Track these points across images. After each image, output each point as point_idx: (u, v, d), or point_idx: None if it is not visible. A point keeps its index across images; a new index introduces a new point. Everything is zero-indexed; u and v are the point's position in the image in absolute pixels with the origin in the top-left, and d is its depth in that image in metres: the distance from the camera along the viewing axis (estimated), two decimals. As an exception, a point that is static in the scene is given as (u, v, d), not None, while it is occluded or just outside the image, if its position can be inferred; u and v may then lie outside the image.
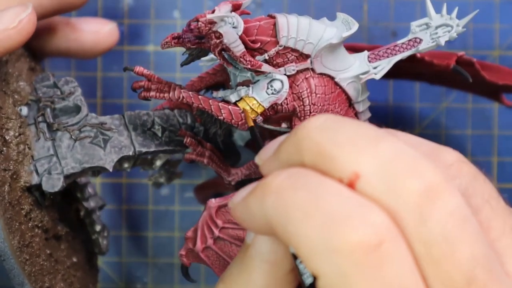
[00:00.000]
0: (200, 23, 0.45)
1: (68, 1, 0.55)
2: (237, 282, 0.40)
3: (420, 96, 0.67)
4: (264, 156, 0.40)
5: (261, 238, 0.40)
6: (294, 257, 0.38)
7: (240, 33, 0.47)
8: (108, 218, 0.66)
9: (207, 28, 0.46)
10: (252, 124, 0.48)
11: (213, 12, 0.46)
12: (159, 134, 0.52)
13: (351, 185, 0.37)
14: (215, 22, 0.46)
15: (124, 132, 0.52)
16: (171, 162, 0.57)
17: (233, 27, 0.46)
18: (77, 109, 0.52)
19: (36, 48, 0.58)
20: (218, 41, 0.46)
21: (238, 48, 0.47)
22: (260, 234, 0.39)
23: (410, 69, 0.55)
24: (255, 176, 0.52)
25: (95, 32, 0.59)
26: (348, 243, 0.35)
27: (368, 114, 0.52)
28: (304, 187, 0.36)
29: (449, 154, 0.39)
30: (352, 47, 0.54)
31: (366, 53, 0.50)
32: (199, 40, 0.47)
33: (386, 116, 0.67)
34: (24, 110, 0.52)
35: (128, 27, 0.67)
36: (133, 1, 0.67)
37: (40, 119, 0.52)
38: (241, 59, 0.47)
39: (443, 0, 0.51)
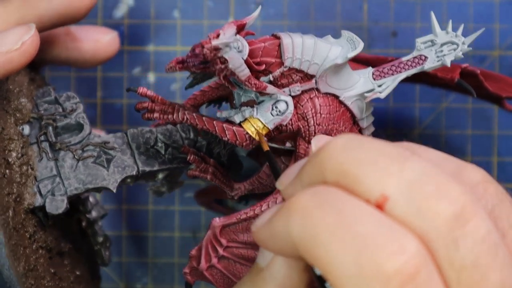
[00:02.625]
0: (205, 49, 0.45)
1: (68, 16, 0.54)
2: None
3: (420, 96, 0.66)
4: (285, 181, 0.40)
5: (278, 263, 0.39)
6: (321, 279, 0.37)
7: (245, 57, 0.46)
8: (108, 218, 0.66)
9: (212, 54, 0.45)
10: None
11: (217, 36, 0.45)
12: (162, 152, 0.52)
13: (379, 206, 0.36)
14: (220, 48, 0.45)
15: (127, 151, 0.51)
16: (173, 173, 0.57)
17: (238, 51, 0.46)
18: (79, 127, 0.52)
19: (36, 57, 0.57)
20: (223, 66, 0.46)
21: (244, 73, 0.46)
22: (284, 256, 0.38)
23: (413, 79, 0.55)
24: (258, 191, 0.52)
25: (95, 41, 0.58)
26: (384, 271, 0.34)
27: (372, 128, 0.52)
28: (331, 206, 0.36)
29: (474, 173, 0.39)
30: (355, 58, 0.54)
31: (370, 69, 0.50)
32: (204, 65, 0.46)
33: (386, 116, 0.66)
34: (26, 129, 0.51)
35: (128, 27, 0.66)
36: (133, 1, 0.66)
37: (42, 138, 0.51)
38: (247, 83, 0.47)
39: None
